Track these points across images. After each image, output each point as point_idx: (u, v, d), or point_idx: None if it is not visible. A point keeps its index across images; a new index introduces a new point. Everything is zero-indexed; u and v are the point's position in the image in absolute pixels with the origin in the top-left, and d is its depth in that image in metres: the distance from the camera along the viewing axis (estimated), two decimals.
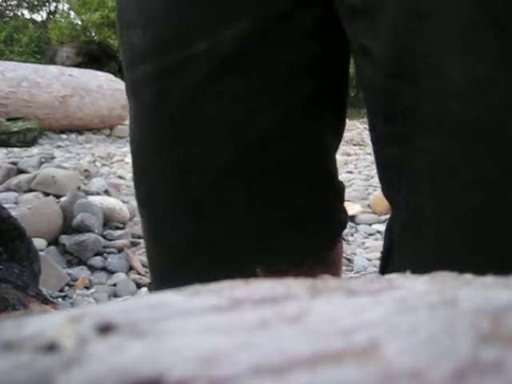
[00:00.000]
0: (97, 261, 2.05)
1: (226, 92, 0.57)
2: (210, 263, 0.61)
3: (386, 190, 0.61)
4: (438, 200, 0.54)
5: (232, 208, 0.60)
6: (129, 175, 3.47)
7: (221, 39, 0.56)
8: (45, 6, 8.75)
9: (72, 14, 7.48)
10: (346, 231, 0.79)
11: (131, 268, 2.06)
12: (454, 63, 0.50)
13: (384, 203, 2.97)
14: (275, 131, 0.59)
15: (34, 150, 4.05)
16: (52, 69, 4.87)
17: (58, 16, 7.88)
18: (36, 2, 8.70)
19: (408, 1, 0.51)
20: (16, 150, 3.97)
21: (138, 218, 2.42)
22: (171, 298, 0.18)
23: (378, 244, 2.58)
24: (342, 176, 3.45)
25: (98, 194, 2.43)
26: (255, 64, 0.57)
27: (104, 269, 2.04)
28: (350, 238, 2.56)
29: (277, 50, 0.58)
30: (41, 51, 7.49)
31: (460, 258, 0.53)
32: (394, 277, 0.20)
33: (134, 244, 2.21)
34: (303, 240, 0.63)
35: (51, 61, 6.77)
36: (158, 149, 0.60)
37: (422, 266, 0.53)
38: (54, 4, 8.72)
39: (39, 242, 1.94)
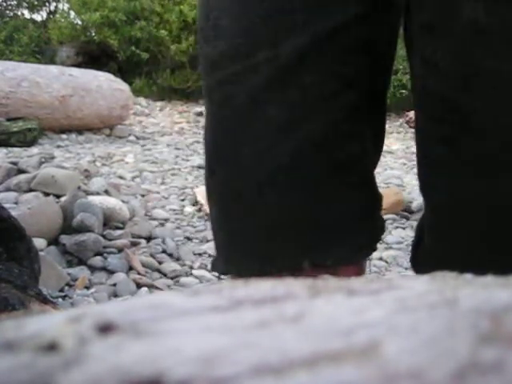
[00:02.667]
0: (97, 261, 2.05)
1: (283, 99, 0.65)
2: (257, 256, 0.69)
3: (425, 188, 0.68)
4: (479, 201, 0.61)
5: (282, 206, 0.67)
6: (129, 175, 3.47)
7: (279, 51, 0.64)
8: (45, 5, 8.74)
9: (72, 13, 7.48)
10: None
11: (131, 268, 2.07)
12: None
13: (384, 203, 2.97)
14: (325, 137, 0.66)
15: (34, 149, 4.05)
16: (52, 69, 4.86)
17: (58, 16, 7.88)
18: (36, 2, 8.69)
19: (468, 17, 0.58)
20: (16, 149, 3.97)
21: (137, 218, 2.42)
22: (171, 298, 0.18)
23: (378, 244, 2.58)
24: None
25: (98, 194, 2.43)
26: (309, 74, 0.65)
27: (104, 269, 2.04)
28: None
29: (328, 63, 0.65)
30: (41, 51, 7.49)
31: (493, 258, 0.59)
32: (394, 277, 0.21)
33: (133, 244, 2.21)
34: (348, 240, 0.70)
35: (51, 61, 6.77)
36: (223, 145, 0.69)
37: (452, 261, 0.60)
38: (54, 4, 8.72)
39: (39, 242, 1.94)
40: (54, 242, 2.08)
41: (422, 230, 0.72)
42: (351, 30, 0.66)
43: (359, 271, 0.74)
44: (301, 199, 0.67)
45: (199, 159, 3.92)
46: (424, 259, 0.71)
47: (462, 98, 0.60)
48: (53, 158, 3.47)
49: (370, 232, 0.74)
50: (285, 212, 0.67)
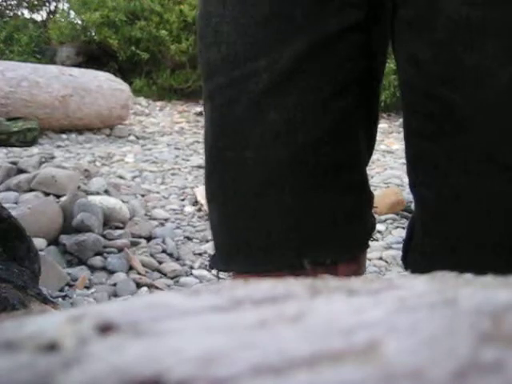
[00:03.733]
0: (97, 261, 2.05)
1: (282, 103, 0.67)
2: (258, 257, 0.71)
3: (414, 184, 0.70)
4: (466, 196, 0.62)
5: (281, 206, 0.69)
6: (129, 175, 3.47)
7: (279, 57, 0.66)
8: (45, 5, 8.74)
9: (72, 13, 7.47)
10: None
11: (131, 268, 2.06)
12: (498, 72, 0.58)
13: (384, 203, 2.97)
14: (322, 139, 0.68)
15: (34, 149, 4.05)
16: (52, 69, 4.86)
17: (58, 16, 7.88)
18: (36, 2, 8.69)
19: (458, 14, 0.59)
20: (16, 149, 3.96)
21: (138, 218, 2.42)
22: (171, 298, 0.18)
23: (378, 244, 2.58)
24: None
25: (98, 193, 2.43)
26: (307, 79, 0.67)
27: (104, 269, 2.04)
28: None
29: (325, 68, 0.68)
30: (41, 51, 7.48)
31: (483, 254, 0.60)
32: (394, 277, 0.20)
33: (133, 244, 2.21)
34: (345, 238, 0.72)
35: (51, 61, 6.77)
36: (225, 148, 0.71)
37: (443, 259, 0.61)
38: (54, 4, 8.72)
39: (39, 242, 1.94)
40: (54, 242, 2.08)
41: (413, 227, 0.73)
42: (347, 36, 0.68)
43: (358, 269, 0.76)
44: (299, 200, 0.69)
45: (199, 159, 3.92)
46: (413, 256, 0.73)
47: (446, 93, 0.61)
48: (53, 158, 3.47)
49: (363, 229, 0.76)
50: (284, 212, 0.69)
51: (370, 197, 0.78)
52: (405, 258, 0.75)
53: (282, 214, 0.70)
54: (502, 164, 0.59)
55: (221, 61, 0.70)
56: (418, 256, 0.71)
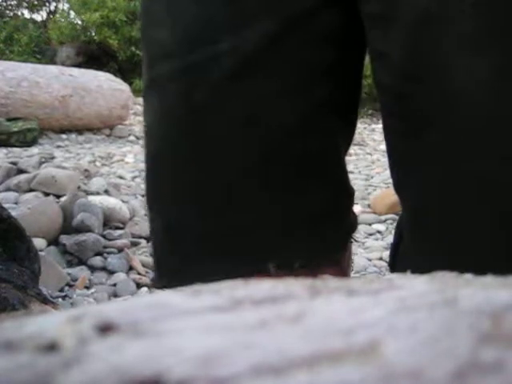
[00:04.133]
0: (97, 261, 2.05)
1: (247, 90, 0.60)
2: (220, 258, 0.63)
3: (396, 186, 0.64)
4: (445, 196, 0.58)
5: (246, 204, 0.62)
6: (129, 175, 3.47)
7: (243, 39, 0.58)
8: (45, 5, 8.74)
9: (72, 13, 7.48)
10: None
11: (131, 268, 2.06)
12: (461, 65, 0.54)
13: (384, 203, 2.97)
14: (291, 130, 0.61)
15: (34, 149, 4.05)
16: (52, 69, 4.86)
17: (58, 16, 7.88)
18: (36, 2, 8.69)
19: (418, 7, 0.55)
20: (16, 149, 3.97)
21: (138, 218, 2.42)
22: (171, 297, 0.18)
23: (378, 244, 2.58)
24: None
25: (98, 193, 2.43)
26: (275, 64, 0.60)
27: (104, 269, 2.04)
28: None
29: (297, 52, 0.60)
30: (41, 51, 7.49)
31: (465, 255, 0.56)
32: (394, 277, 0.20)
33: (134, 244, 2.21)
34: (316, 239, 0.65)
35: (51, 61, 6.77)
36: (178, 142, 0.62)
37: (428, 262, 0.56)
38: (54, 4, 8.72)
39: (39, 242, 1.94)
40: (54, 242, 2.08)
41: (400, 231, 0.68)
42: (322, 14, 0.60)
43: (340, 272, 0.68)
44: (264, 197, 0.62)
45: None
46: (399, 260, 0.67)
47: (414, 91, 0.57)
48: (53, 158, 3.47)
49: (338, 230, 0.68)
50: (244, 212, 0.62)
51: (348, 193, 0.69)
52: (392, 264, 0.69)
53: (241, 215, 0.62)
54: (479, 163, 0.55)
55: (174, 42, 0.61)
56: (404, 262, 0.65)
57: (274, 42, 0.59)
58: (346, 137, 0.69)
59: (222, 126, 0.60)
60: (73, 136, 4.72)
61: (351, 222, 0.70)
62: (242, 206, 0.62)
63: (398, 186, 0.64)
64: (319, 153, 0.64)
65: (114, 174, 3.49)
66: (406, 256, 0.65)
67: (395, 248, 0.68)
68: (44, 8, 8.74)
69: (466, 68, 0.53)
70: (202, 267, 0.63)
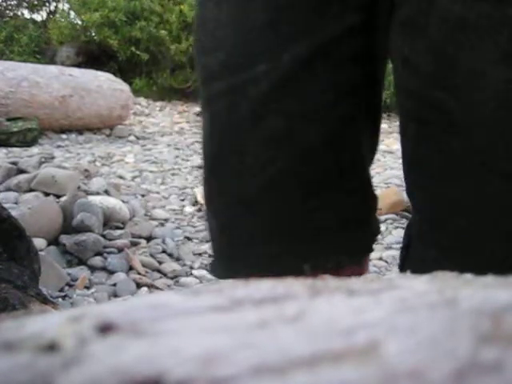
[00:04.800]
0: (97, 261, 2.05)
1: (282, 109, 0.66)
2: (259, 261, 0.70)
3: (410, 190, 0.69)
4: (463, 204, 0.61)
5: (283, 211, 0.69)
6: (129, 175, 3.47)
7: (278, 63, 0.65)
8: (45, 5, 8.74)
9: (72, 13, 7.47)
10: None
11: (131, 268, 2.06)
12: (494, 75, 0.56)
13: (384, 203, 2.97)
14: (323, 144, 0.67)
15: (34, 149, 4.05)
16: (52, 69, 4.86)
17: (58, 16, 7.88)
18: (36, 2, 8.69)
19: (453, 15, 0.57)
20: (16, 149, 3.96)
21: (138, 218, 2.42)
22: (171, 297, 0.18)
23: (378, 244, 2.58)
24: None
25: (98, 193, 2.43)
26: (307, 85, 0.66)
27: (104, 269, 2.04)
28: None
29: (326, 73, 0.66)
30: (41, 51, 7.48)
31: (476, 258, 0.58)
32: (394, 277, 0.20)
33: (133, 244, 2.21)
34: (349, 241, 0.71)
35: (51, 61, 6.77)
36: (225, 154, 0.70)
37: (438, 266, 0.56)
38: (54, 4, 8.72)
39: (39, 242, 1.94)
40: (54, 242, 2.08)
41: (410, 233, 0.72)
42: (347, 40, 0.66)
43: (361, 272, 0.75)
44: (301, 204, 0.68)
45: (199, 159, 3.92)
46: (409, 263, 0.71)
47: (440, 96, 0.60)
48: (53, 158, 3.47)
49: (367, 233, 0.75)
50: (284, 216, 0.69)
51: (373, 199, 0.76)
52: (402, 266, 0.74)
53: (281, 219, 0.69)
54: (497, 170, 0.58)
55: (218, 66, 0.69)
56: (417, 264, 0.69)
57: (305, 65, 0.66)
58: (371, 149, 0.75)
59: (259, 139, 0.67)
60: (73, 136, 4.72)
61: (376, 226, 0.77)
62: (276, 214, 0.69)
63: (412, 189, 0.68)
64: (348, 165, 0.70)
65: (114, 173, 3.49)
66: (416, 259, 0.69)
67: (405, 250, 0.73)
68: (44, 8, 8.74)
69: (498, 78, 0.56)
70: (248, 262, 0.70)
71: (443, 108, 0.60)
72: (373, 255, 2.46)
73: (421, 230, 0.68)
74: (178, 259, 2.23)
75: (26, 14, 8.68)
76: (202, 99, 0.73)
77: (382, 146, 5.08)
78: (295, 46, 0.65)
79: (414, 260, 0.70)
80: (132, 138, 4.88)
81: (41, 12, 8.74)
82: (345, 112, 0.68)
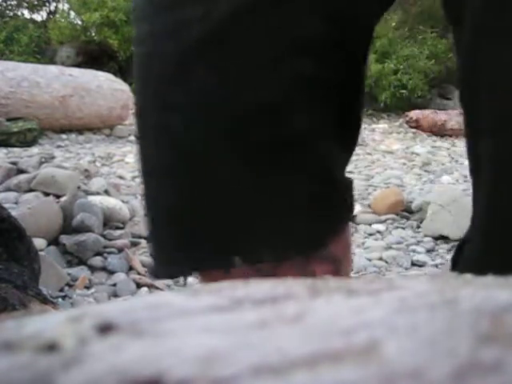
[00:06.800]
0: (97, 261, 2.05)
1: (217, 59, 0.54)
2: (189, 242, 0.57)
3: (472, 189, 0.59)
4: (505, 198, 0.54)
5: (209, 189, 0.56)
6: (129, 175, 3.47)
7: (217, 4, 0.52)
8: (45, 5, 8.74)
9: (72, 13, 7.48)
10: None
11: (131, 268, 2.07)
12: None
13: (384, 203, 2.97)
14: (266, 106, 0.54)
15: (34, 149, 4.05)
16: (52, 69, 4.86)
17: (58, 16, 7.88)
18: (36, 2, 8.70)
19: (474, 7, 0.52)
20: (16, 149, 3.97)
21: (138, 218, 2.42)
22: (171, 297, 0.18)
23: (378, 244, 2.58)
24: None
25: (98, 193, 2.43)
26: (254, 31, 0.54)
27: (104, 269, 2.04)
28: None
29: (281, 19, 0.54)
30: (41, 51, 7.49)
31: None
32: (394, 277, 0.20)
33: (134, 244, 2.21)
34: (290, 229, 0.57)
35: (51, 61, 6.77)
36: (145, 108, 0.58)
37: (492, 265, 0.52)
38: (54, 4, 8.72)
39: (39, 242, 1.94)
40: (54, 242, 2.08)
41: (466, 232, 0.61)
42: None
43: (332, 268, 0.61)
44: (233, 182, 0.56)
45: None
46: (463, 260, 0.61)
47: (474, 96, 0.54)
48: (53, 157, 3.47)
49: (321, 223, 0.59)
50: (212, 197, 0.56)
51: (338, 184, 0.61)
52: (455, 263, 0.62)
53: (209, 198, 0.56)
54: None
55: (146, 5, 0.57)
56: (472, 262, 0.58)
57: (255, 5, 0.53)
58: (350, 125, 0.62)
59: (185, 96, 0.55)
60: (73, 136, 4.72)
61: (333, 215, 0.61)
62: (204, 193, 0.56)
63: (472, 187, 0.59)
64: (298, 136, 0.56)
65: (114, 173, 3.49)
66: (472, 257, 0.59)
67: (459, 247, 0.62)
68: (44, 8, 8.74)
69: None
70: (175, 255, 0.58)
71: (476, 108, 0.55)
72: (373, 255, 2.45)
73: (478, 229, 0.58)
74: None
75: (26, 14, 8.69)
76: (134, 40, 0.61)
77: (382, 146, 5.08)
78: None
79: (470, 259, 0.59)
80: (132, 138, 4.88)
81: (41, 12, 8.75)
82: (300, 70, 0.55)
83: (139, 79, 0.59)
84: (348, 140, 0.64)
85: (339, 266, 0.63)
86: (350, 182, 0.63)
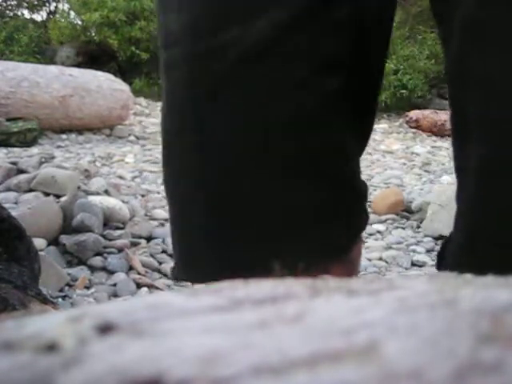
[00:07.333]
0: (97, 261, 2.05)
1: (252, 81, 0.57)
2: (224, 256, 0.61)
3: (457, 188, 0.61)
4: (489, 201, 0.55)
5: (250, 199, 0.60)
6: (129, 175, 3.47)
7: (251, 28, 0.55)
8: (45, 5, 8.74)
9: (72, 13, 7.48)
10: None
11: (131, 268, 2.06)
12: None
13: (384, 203, 2.97)
14: (297, 123, 0.58)
15: (34, 149, 4.05)
16: (52, 69, 4.86)
17: (58, 16, 7.88)
18: (36, 2, 8.70)
19: (469, 13, 0.53)
20: (16, 149, 3.97)
21: (138, 218, 2.42)
22: (171, 297, 0.18)
23: (378, 244, 2.58)
24: None
25: (98, 194, 2.43)
26: (284, 54, 0.57)
27: (104, 269, 2.04)
28: None
29: (309, 42, 0.57)
30: (41, 51, 7.49)
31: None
32: (394, 277, 0.20)
33: (134, 244, 2.21)
34: (319, 238, 0.62)
35: (51, 61, 6.77)
36: (182, 128, 0.61)
37: (481, 265, 0.52)
38: (54, 4, 8.72)
39: (39, 242, 1.94)
40: (54, 242, 2.08)
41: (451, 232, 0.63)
42: (335, 5, 0.57)
43: (343, 272, 0.65)
44: (266, 193, 0.59)
45: None
46: (447, 258, 0.63)
47: (464, 97, 0.56)
48: (53, 157, 3.47)
49: (345, 229, 0.64)
50: (248, 206, 0.60)
51: (358, 192, 0.66)
52: (439, 261, 0.65)
53: (246, 207, 0.60)
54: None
55: (182, 29, 0.59)
56: (456, 259, 0.61)
57: (284, 32, 0.56)
58: (360, 135, 0.66)
59: (219, 118, 0.58)
60: (73, 136, 4.72)
61: (359, 222, 0.67)
62: (240, 201, 0.60)
63: (456, 191, 0.61)
64: (325, 150, 0.60)
65: (114, 174, 3.49)
66: (455, 255, 0.61)
67: (443, 246, 0.64)
68: (44, 8, 8.74)
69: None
70: (202, 268, 0.62)
71: (466, 108, 0.56)
72: (373, 255, 2.45)
73: (463, 231, 0.60)
74: None
75: (26, 14, 8.69)
76: (160, 65, 0.63)
77: (382, 146, 5.08)
78: (273, 9, 0.55)
79: (453, 256, 0.61)
80: (132, 138, 4.88)
81: (41, 12, 8.75)
82: (326, 89, 0.58)
83: (173, 101, 0.61)
84: (362, 146, 0.68)
85: (354, 268, 0.69)
86: (366, 189, 0.68)
